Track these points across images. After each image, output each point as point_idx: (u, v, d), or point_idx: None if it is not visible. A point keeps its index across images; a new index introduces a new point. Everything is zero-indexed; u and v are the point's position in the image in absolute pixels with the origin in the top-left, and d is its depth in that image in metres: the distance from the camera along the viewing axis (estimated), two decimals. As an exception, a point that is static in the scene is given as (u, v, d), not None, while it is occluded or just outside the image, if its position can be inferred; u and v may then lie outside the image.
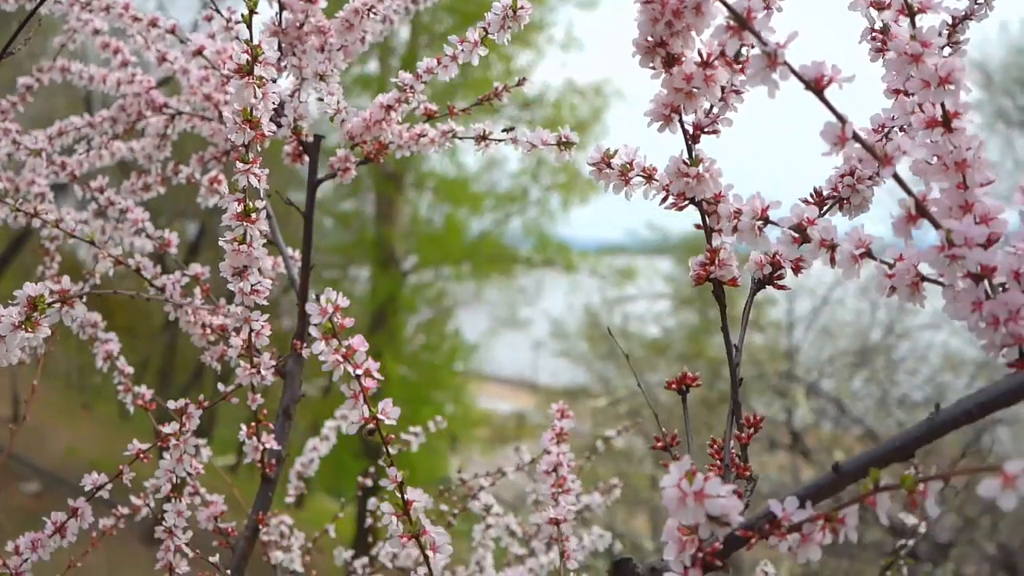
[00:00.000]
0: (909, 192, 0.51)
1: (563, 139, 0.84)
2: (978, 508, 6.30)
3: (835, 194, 0.67)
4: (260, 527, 0.97)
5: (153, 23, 1.07)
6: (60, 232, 1.22)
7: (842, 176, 0.67)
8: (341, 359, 0.61)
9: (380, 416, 0.62)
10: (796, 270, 0.66)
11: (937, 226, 0.50)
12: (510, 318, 11.88)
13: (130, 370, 1.08)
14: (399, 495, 0.63)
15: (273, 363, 0.89)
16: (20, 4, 1.14)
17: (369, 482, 1.40)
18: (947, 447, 6.43)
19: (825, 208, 0.67)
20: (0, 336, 0.66)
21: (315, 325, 0.60)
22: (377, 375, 0.62)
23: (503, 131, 0.94)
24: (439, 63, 0.90)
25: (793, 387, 6.05)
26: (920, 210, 0.50)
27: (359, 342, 0.61)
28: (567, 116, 10.25)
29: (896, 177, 0.50)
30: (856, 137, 0.49)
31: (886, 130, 0.67)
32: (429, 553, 0.63)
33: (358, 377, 0.61)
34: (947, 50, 0.71)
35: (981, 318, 0.50)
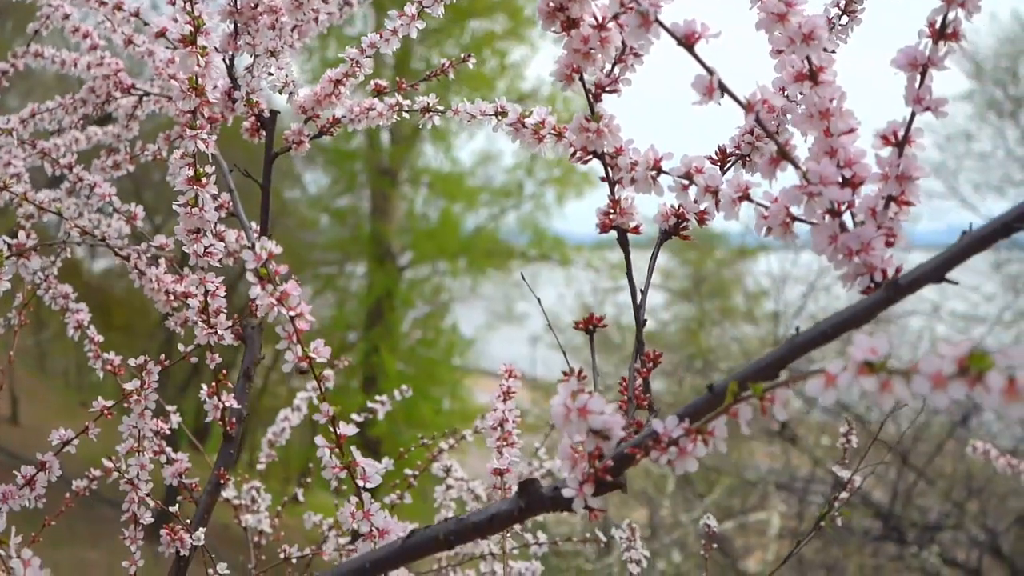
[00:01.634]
0: (773, 138, 0.56)
1: (499, 110, 0.89)
2: (965, 494, 6.38)
3: (737, 151, 0.72)
4: (222, 482, 1.03)
5: (118, 7, 1.12)
6: (35, 210, 1.27)
7: (743, 134, 0.72)
8: (275, 302, 0.66)
9: (312, 355, 0.67)
10: (700, 221, 0.72)
11: (797, 167, 0.56)
12: (506, 313, 11.95)
13: (100, 338, 1.13)
14: (332, 430, 0.69)
15: (229, 323, 0.95)
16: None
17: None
18: (935, 430, 6.50)
19: (729, 164, 0.73)
20: (-37, 290, 0.71)
21: (251, 271, 0.65)
22: (310, 317, 0.67)
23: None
24: (381, 36, 0.96)
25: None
26: (782, 153, 0.56)
27: (292, 287, 0.67)
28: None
29: (759, 122, 0.56)
30: (722, 87, 0.55)
31: (785, 91, 0.73)
32: (360, 482, 0.69)
33: (292, 319, 0.66)
34: (844, 18, 0.76)
35: (837, 250, 0.55)
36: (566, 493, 0.59)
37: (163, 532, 0.99)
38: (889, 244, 0.56)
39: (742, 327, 8.96)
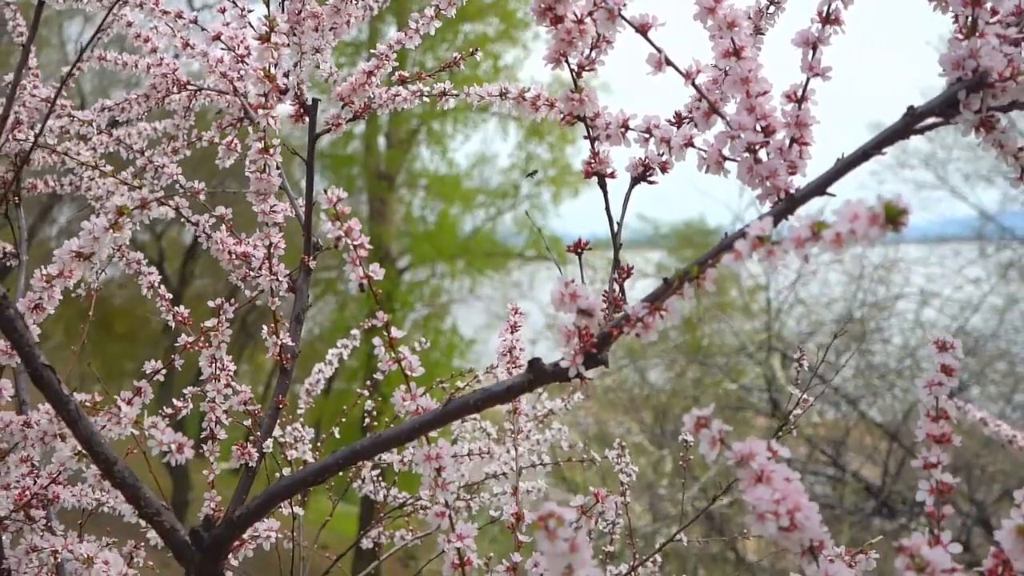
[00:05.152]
0: (705, 97, 0.78)
1: (503, 91, 1.10)
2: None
3: (690, 115, 0.94)
4: (280, 407, 1.24)
5: (179, 15, 1.34)
6: (104, 192, 1.48)
7: (693, 101, 0.93)
8: (343, 234, 0.87)
9: (371, 274, 0.89)
10: (663, 170, 0.93)
11: (723, 117, 0.77)
12: (506, 313, 12.12)
13: (169, 296, 1.35)
14: (386, 334, 0.90)
15: (288, 272, 1.16)
16: (68, 4, 1.40)
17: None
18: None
19: (684, 125, 0.94)
20: (95, 237, 0.93)
21: (324, 210, 0.87)
22: (368, 246, 0.88)
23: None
24: (406, 34, 1.17)
25: (771, 356, 6.35)
26: (712, 108, 0.77)
27: (356, 223, 0.88)
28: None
29: (695, 87, 0.77)
30: (668, 62, 0.76)
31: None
32: (407, 372, 0.90)
33: (355, 247, 0.88)
34: (772, 8, 0.97)
35: (753, 177, 0.77)
36: (563, 364, 0.80)
37: (234, 448, 1.21)
38: (792, 173, 0.77)
39: (739, 321, 9.19)
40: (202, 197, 1.34)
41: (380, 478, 1.70)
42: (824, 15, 0.78)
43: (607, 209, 0.90)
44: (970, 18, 0.69)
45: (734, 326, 8.73)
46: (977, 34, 0.69)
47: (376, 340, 0.90)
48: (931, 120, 0.71)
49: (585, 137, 0.90)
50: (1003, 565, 0.65)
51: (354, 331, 1.83)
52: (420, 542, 1.62)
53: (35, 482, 1.13)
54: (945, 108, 0.70)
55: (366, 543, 1.67)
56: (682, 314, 0.77)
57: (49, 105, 1.17)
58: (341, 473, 1.68)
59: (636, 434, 7.11)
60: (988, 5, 0.70)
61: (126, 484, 0.84)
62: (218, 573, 0.84)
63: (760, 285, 8.90)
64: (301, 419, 1.60)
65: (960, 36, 0.70)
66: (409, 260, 12.11)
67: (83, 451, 0.98)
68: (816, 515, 0.64)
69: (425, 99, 1.23)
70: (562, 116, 0.89)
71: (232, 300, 1.20)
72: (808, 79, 0.78)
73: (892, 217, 0.53)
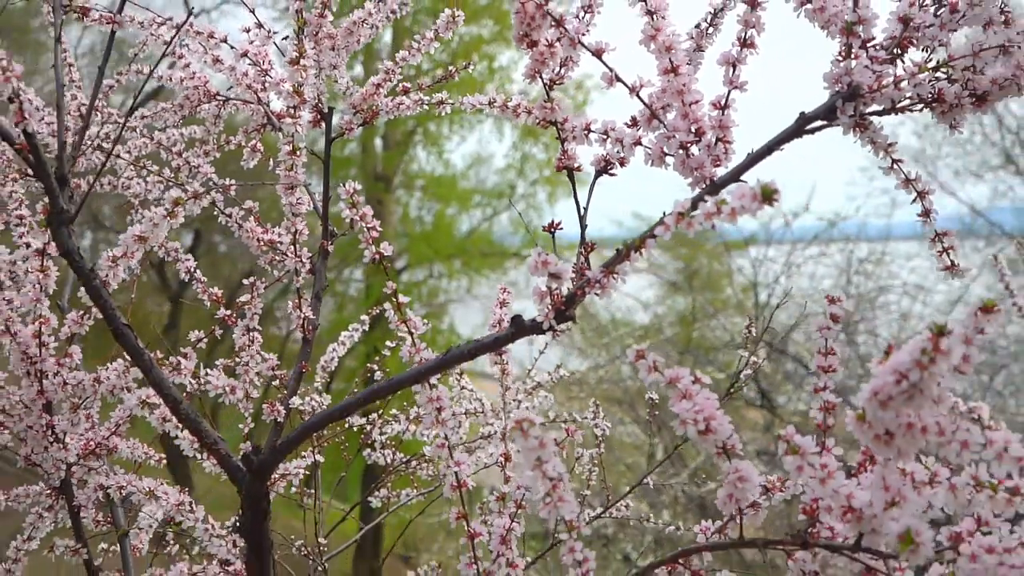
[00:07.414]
0: (648, 106, 0.98)
1: (491, 100, 1.31)
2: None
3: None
4: (304, 372, 1.44)
5: (211, 35, 1.54)
6: (143, 190, 1.69)
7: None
8: (358, 219, 1.08)
9: (382, 251, 1.09)
10: (622, 164, 1.13)
11: (660, 122, 0.98)
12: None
13: (205, 279, 1.55)
14: (395, 299, 1.11)
15: (310, 254, 1.37)
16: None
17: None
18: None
19: (635, 128, 1.14)
20: (155, 223, 1.13)
21: (342, 200, 1.07)
22: (379, 228, 1.09)
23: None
24: (409, 52, 1.38)
25: (759, 347, 6.56)
26: (652, 114, 0.98)
27: (369, 208, 1.08)
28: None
29: (639, 98, 0.98)
30: (617, 78, 0.97)
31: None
32: (412, 329, 1.10)
33: (369, 228, 1.08)
34: (711, 29, 1.18)
35: (686, 168, 0.98)
36: (538, 319, 1.01)
37: (264, 406, 1.41)
38: (716, 165, 0.98)
39: (733, 319, 9.40)
40: (232, 192, 1.55)
41: (389, 442, 1.91)
42: (742, 40, 0.98)
43: (575, 197, 1.11)
44: (846, 44, 0.90)
45: (726, 322, 8.94)
46: (852, 56, 0.90)
47: (387, 305, 1.10)
48: (818, 123, 0.92)
49: (556, 138, 1.10)
50: (869, 460, 0.86)
51: (363, 316, 2.03)
52: (424, 497, 1.82)
53: (96, 434, 1.33)
54: (827, 113, 0.90)
55: (375, 502, 1.88)
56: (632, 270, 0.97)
57: (126, 116, 1.38)
58: (358, 426, 1.89)
59: (629, 423, 7.32)
60: (860, 34, 0.90)
61: (190, 419, 1.04)
62: (265, 492, 1.04)
63: (754, 283, 9.12)
64: (318, 389, 1.81)
65: (839, 58, 0.91)
66: (406, 260, 12.31)
67: (146, 401, 1.18)
68: (727, 424, 0.85)
69: (425, 107, 1.43)
70: (537, 121, 1.10)
71: (233, 297, 1.41)
72: (729, 91, 0.99)
73: (766, 195, 0.74)
